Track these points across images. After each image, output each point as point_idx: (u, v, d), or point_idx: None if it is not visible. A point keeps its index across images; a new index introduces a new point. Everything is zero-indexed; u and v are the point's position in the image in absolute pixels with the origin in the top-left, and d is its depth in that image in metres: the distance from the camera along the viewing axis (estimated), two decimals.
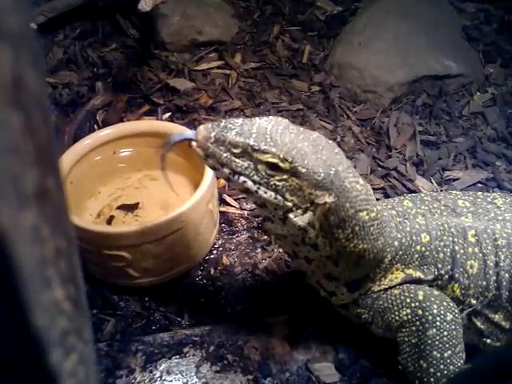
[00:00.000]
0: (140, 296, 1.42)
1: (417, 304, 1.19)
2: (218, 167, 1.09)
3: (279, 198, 1.08)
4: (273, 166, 1.05)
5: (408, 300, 1.20)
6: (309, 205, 1.08)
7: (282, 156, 1.04)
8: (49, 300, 0.38)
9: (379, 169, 1.82)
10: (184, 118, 1.94)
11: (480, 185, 1.77)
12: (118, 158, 1.62)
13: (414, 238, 1.23)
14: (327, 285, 1.26)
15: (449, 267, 1.24)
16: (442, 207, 1.30)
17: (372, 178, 1.78)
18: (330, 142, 1.13)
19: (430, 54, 2.16)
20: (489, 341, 1.29)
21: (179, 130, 1.57)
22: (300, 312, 1.39)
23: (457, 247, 1.24)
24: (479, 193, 1.37)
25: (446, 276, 1.24)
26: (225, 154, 1.07)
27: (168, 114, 1.96)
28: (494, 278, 1.23)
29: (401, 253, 1.22)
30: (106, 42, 2.23)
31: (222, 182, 1.72)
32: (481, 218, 1.28)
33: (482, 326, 1.27)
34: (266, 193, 1.07)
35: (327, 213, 1.09)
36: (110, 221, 1.53)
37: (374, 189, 1.74)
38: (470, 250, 1.24)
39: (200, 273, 1.50)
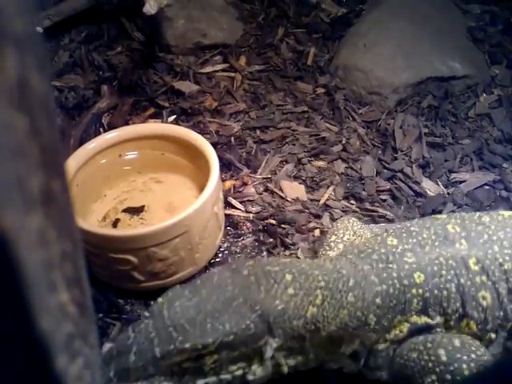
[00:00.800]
0: (146, 300, 1.42)
1: (442, 368, 1.04)
2: None
3: (226, 375, 1.00)
4: (197, 356, 0.96)
5: (430, 365, 1.06)
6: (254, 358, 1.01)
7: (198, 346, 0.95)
8: (54, 304, 0.38)
9: (385, 171, 1.81)
10: (189, 120, 1.94)
11: (487, 187, 1.76)
12: (123, 160, 1.63)
13: (406, 281, 1.10)
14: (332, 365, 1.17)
15: (458, 304, 1.12)
16: (433, 236, 1.17)
17: (378, 180, 1.77)
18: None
19: (435, 56, 2.15)
20: None
21: (184, 132, 1.58)
22: None
23: (462, 280, 1.11)
24: (464, 214, 1.25)
25: (457, 314, 1.12)
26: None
27: (173, 117, 1.96)
28: (510, 306, 1.11)
29: (392, 304, 1.10)
30: (112, 45, 2.24)
31: (228, 184, 1.72)
32: (476, 242, 1.15)
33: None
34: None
35: (280, 347, 1.03)
36: (115, 224, 1.53)
37: (380, 191, 1.74)
38: (478, 279, 1.12)
39: None
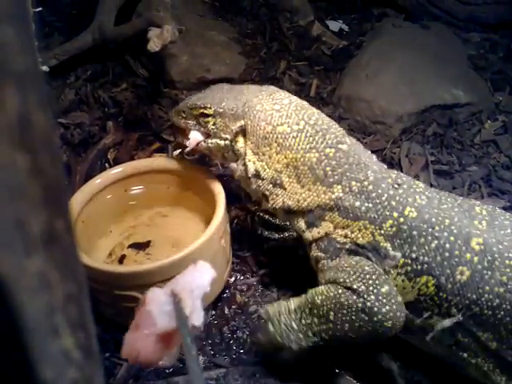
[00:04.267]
0: None
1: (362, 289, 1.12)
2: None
3: (218, 140, 1.39)
4: (203, 114, 1.40)
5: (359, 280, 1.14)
6: (235, 136, 1.35)
7: (204, 105, 1.39)
8: (57, 350, 0.36)
9: None
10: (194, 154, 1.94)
11: None
12: (129, 195, 1.62)
13: (394, 203, 1.18)
14: (291, 221, 1.32)
15: (429, 259, 1.13)
16: (456, 205, 1.21)
17: None
18: (263, 87, 1.40)
19: (437, 84, 2.16)
20: (465, 355, 1.16)
21: (190, 166, 1.57)
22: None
23: (448, 245, 1.13)
24: (496, 208, 1.26)
25: (419, 266, 1.14)
26: (181, 121, 1.47)
27: (178, 151, 1.96)
28: (491, 296, 1.10)
29: (369, 205, 1.19)
30: (117, 82, 2.27)
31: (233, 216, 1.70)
32: (496, 230, 1.16)
33: (461, 339, 1.15)
34: (210, 142, 1.41)
35: (249, 136, 1.32)
36: (121, 260, 1.51)
37: None
38: (468, 256, 1.12)
39: (214, 312, 1.46)
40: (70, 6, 2.60)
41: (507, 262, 1.10)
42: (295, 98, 1.36)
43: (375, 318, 1.11)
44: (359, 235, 1.20)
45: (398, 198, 1.19)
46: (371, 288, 1.12)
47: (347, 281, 1.14)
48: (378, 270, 1.16)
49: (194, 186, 1.58)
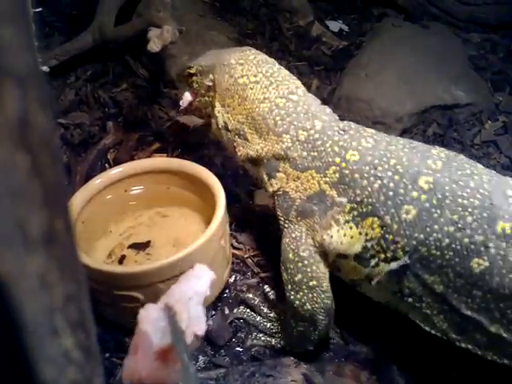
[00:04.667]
0: None
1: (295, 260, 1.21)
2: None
3: (201, 98, 1.52)
4: (190, 74, 1.54)
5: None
6: (209, 90, 1.48)
7: (188, 65, 1.55)
8: (57, 350, 0.36)
9: None
10: (194, 154, 1.95)
11: None
12: (129, 196, 1.62)
13: (337, 149, 1.20)
14: (257, 174, 1.40)
15: (372, 200, 1.13)
16: (408, 147, 1.19)
17: None
18: (243, 47, 1.51)
19: (437, 84, 2.16)
20: (410, 300, 1.14)
21: (190, 166, 1.57)
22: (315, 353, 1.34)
23: (392, 184, 1.12)
24: (462, 156, 1.21)
25: (369, 208, 1.13)
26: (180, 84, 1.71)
27: (178, 151, 1.96)
28: (440, 235, 1.07)
29: (312, 153, 1.22)
30: (117, 82, 2.26)
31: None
32: (452, 170, 1.12)
33: (409, 285, 1.13)
34: (198, 101, 1.54)
35: (216, 88, 1.44)
36: (121, 260, 1.51)
37: None
38: (415, 194, 1.10)
39: (214, 312, 1.46)
40: (70, 7, 2.60)
41: (460, 200, 1.07)
42: (264, 56, 1.45)
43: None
44: (307, 186, 1.23)
45: (341, 144, 1.20)
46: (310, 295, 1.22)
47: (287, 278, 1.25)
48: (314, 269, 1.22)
49: (193, 186, 1.58)
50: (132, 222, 1.61)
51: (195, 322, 0.80)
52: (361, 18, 2.71)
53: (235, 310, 1.44)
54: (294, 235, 1.23)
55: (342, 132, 1.23)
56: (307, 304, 1.21)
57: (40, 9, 1.13)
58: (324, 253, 1.22)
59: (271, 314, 1.42)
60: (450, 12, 2.64)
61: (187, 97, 1.58)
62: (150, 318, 0.80)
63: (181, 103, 1.61)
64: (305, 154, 1.24)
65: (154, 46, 1.57)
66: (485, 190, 1.08)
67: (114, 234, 1.58)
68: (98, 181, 1.54)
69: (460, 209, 1.06)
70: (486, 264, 1.03)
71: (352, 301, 1.42)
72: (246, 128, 1.37)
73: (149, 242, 1.55)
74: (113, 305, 1.34)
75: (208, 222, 1.40)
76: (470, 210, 1.06)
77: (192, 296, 0.82)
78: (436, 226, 1.07)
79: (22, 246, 0.29)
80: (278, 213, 1.30)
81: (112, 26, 2.16)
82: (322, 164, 1.20)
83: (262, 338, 1.37)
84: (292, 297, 1.23)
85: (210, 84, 1.46)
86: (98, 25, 2.13)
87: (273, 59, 1.45)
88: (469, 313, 1.08)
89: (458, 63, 2.32)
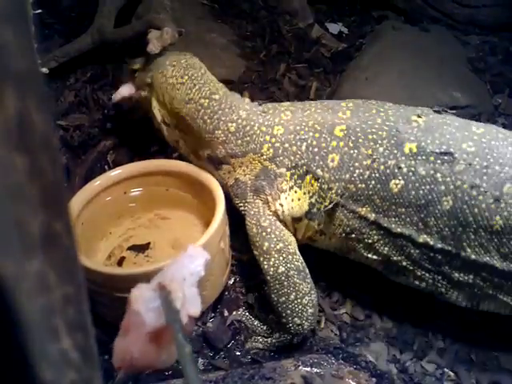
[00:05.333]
0: None
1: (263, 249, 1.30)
2: None
3: (142, 92, 1.61)
4: (133, 70, 1.65)
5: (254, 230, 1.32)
6: (149, 86, 1.58)
7: (133, 62, 1.64)
8: (55, 351, 0.36)
9: None
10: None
11: None
12: (128, 197, 1.62)
13: (264, 128, 1.35)
14: (202, 164, 1.51)
15: (304, 160, 1.30)
16: (320, 106, 1.36)
17: None
18: (186, 52, 1.61)
19: (437, 86, 2.16)
20: (353, 236, 1.28)
21: (189, 168, 1.57)
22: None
23: (315, 142, 1.29)
24: (371, 101, 1.40)
25: (304, 168, 1.30)
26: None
27: (177, 153, 1.96)
28: (361, 170, 1.23)
29: (245, 139, 1.36)
30: (117, 84, 2.26)
31: None
32: (360, 114, 1.29)
33: (348, 222, 1.28)
34: (137, 94, 1.63)
35: (153, 85, 1.56)
36: (120, 262, 1.51)
37: None
38: (334, 143, 1.27)
39: (213, 315, 1.46)
40: (70, 9, 2.60)
41: (370, 136, 1.24)
42: (195, 60, 1.58)
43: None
44: (252, 167, 1.37)
45: (266, 123, 1.36)
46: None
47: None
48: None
49: (193, 188, 1.58)
50: (131, 224, 1.61)
51: (190, 303, 0.76)
52: (360, 20, 2.71)
53: (234, 313, 1.45)
54: (252, 212, 1.35)
55: (263, 114, 1.39)
56: (280, 267, 1.28)
57: (40, 10, 1.13)
58: (282, 222, 1.35)
59: (269, 317, 1.42)
60: (450, 14, 2.65)
61: (125, 90, 1.69)
62: (143, 298, 0.76)
63: (113, 96, 1.74)
64: (239, 141, 1.38)
65: (154, 47, 1.57)
66: (390, 121, 1.25)
67: (113, 236, 1.58)
68: (97, 182, 1.54)
69: (372, 143, 1.23)
70: (402, 182, 1.20)
71: (350, 302, 1.42)
72: (180, 126, 1.51)
73: (148, 243, 1.55)
74: (113, 307, 1.33)
75: (207, 223, 1.40)
76: (379, 141, 1.23)
77: (186, 276, 0.79)
78: (357, 164, 1.24)
79: (21, 247, 0.29)
80: (237, 201, 1.42)
81: (111, 27, 2.16)
82: (256, 145, 1.36)
83: (261, 340, 1.37)
84: (266, 266, 1.30)
85: (150, 81, 1.58)
86: (97, 27, 2.14)
87: (202, 64, 1.58)
88: (398, 230, 1.23)
89: (458, 65, 2.33)
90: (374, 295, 1.47)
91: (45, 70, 1.19)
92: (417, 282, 1.29)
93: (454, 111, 2.11)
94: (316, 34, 2.54)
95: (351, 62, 2.35)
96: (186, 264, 0.81)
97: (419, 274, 1.26)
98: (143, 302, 0.76)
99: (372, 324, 1.42)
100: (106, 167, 1.91)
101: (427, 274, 1.25)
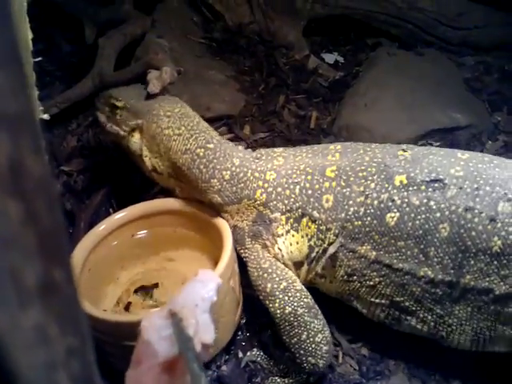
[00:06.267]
0: None
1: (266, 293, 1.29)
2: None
3: (119, 130, 1.59)
4: (114, 105, 1.60)
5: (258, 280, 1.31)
6: (132, 131, 1.56)
7: (115, 96, 1.61)
8: None
9: None
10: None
11: None
12: (135, 240, 1.59)
13: (257, 174, 1.37)
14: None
15: (299, 203, 1.31)
16: (310, 152, 1.39)
17: None
18: (171, 98, 1.63)
19: (435, 108, 2.16)
20: (355, 278, 1.26)
21: (194, 206, 1.56)
22: None
23: (308, 184, 1.30)
24: (355, 143, 1.40)
25: (299, 211, 1.31)
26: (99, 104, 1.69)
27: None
28: (356, 207, 1.24)
29: (239, 186, 1.38)
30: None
31: None
32: (348, 155, 1.32)
33: (349, 263, 1.26)
34: (112, 127, 1.62)
35: (144, 134, 1.54)
36: (127, 307, 1.47)
37: None
38: (327, 184, 1.28)
39: (227, 357, 1.40)
40: (70, 55, 2.65)
41: (360, 174, 1.26)
42: (187, 108, 1.58)
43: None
44: (248, 213, 1.38)
45: (259, 169, 1.38)
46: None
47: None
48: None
49: (199, 227, 1.56)
50: (139, 268, 1.58)
51: (203, 330, 0.73)
52: (355, 48, 2.75)
53: (249, 353, 1.40)
54: (252, 256, 1.35)
55: (257, 160, 1.41)
56: (287, 307, 1.25)
57: (40, 58, 1.14)
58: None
59: (286, 354, 1.37)
60: (443, 37, 2.68)
61: (102, 119, 1.68)
62: (154, 327, 0.73)
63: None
64: (234, 188, 1.40)
65: (154, 87, 1.58)
66: (378, 158, 1.28)
67: (121, 281, 1.55)
68: (102, 227, 1.52)
69: (363, 180, 1.25)
70: (398, 214, 1.20)
71: (367, 334, 1.37)
72: (174, 173, 1.53)
73: (156, 284, 1.52)
74: (123, 356, 1.29)
75: (216, 262, 1.37)
76: (370, 177, 1.24)
77: (198, 302, 0.76)
78: (351, 201, 1.25)
79: (16, 298, 0.27)
80: (237, 248, 1.41)
81: (112, 70, 2.19)
82: (249, 191, 1.37)
83: (278, 381, 1.32)
84: (272, 309, 1.27)
85: (135, 127, 1.57)
86: (97, 71, 2.16)
87: (195, 113, 1.59)
88: (400, 265, 1.21)
89: (454, 86, 2.34)
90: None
91: (46, 116, 1.18)
92: (419, 326, 1.25)
93: (450, 135, 2.12)
94: (312, 65, 2.58)
95: (349, 90, 2.36)
96: (198, 289, 0.79)
97: (421, 315, 1.24)
98: (154, 330, 0.73)
99: (391, 356, 1.37)
100: (111, 210, 1.90)
101: (429, 316, 1.23)
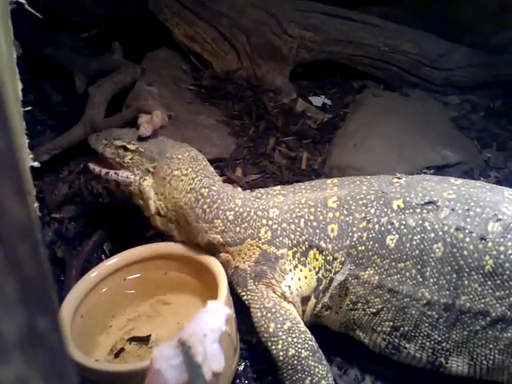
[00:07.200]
0: None
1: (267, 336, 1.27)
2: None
3: (129, 174, 1.59)
4: (124, 148, 1.59)
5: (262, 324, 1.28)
6: (146, 174, 1.57)
7: (128, 141, 1.59)
8: None
9: None
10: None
11: None
12: (127, 285, 1.56)
13: (260, 213, 1.39)
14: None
15: (305, 236, 1.33)
16: (309, 187, 1.43)
17: None
18: (182, 143, 1.64)
19: (425, 147, 2.19)
20: (359, 305, 1.27)
21: (187, 249, 1.54)
22: None
23: (312, 216, 1.33)
24: (352, 178, 1.44)
25: (306, 244, 1.32)
26: (100, 147, 1.64)
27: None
28: (359, 233, 1.28)
29: (243, 226, 1.38)
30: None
31: None
32: (346, 186, 1.37)
33: (354, 290, 1.28)
34: (121, 175, 1.60)
35: (154, 177, 1.55)
36: (118, 354, 1.42)
37: None
38: (330, 215, 1.32)
39: None
40: (61, 105, 2.68)
41: (360, 202, 1.31)
42: (196, 152, 1.61)
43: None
44: (250, 253, 1.37)
45: (261, 207, 1.40)
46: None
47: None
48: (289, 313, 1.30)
49: (192, 269, 1.53)
50: (132, 314, 1.54)
51: (212, 359, 0.73)
52: (342, 91, 2.81)
53: None
54: (256, 297, 1.33)
55: (257, 199, 1.44)
56: (290, 349, 1.22)
57: (29, 107, 1.15)
58: (291, 304, 1.33)
59: None
60: (427, 78, 2.75)
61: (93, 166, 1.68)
62: (164, 356, 0.74)
63: (101, 170, 1.65)
64: (237, 229, 1.40)
65: (145, 131, 1.59)
66: (375, 186, 1.33)
67: (114, 329, 1.50)
68: (93, 274, 1.49)
69: (363, 207, 1.30)
70: (397, 236, 1.25)
71: (370, 378, 1.33)
72: (176, 216, 1.53)
73: (149, 336, 1.47)
74: None
75: None
76: (370, 204, 1.29)
77: (207, 332, 0.77)
78: (354, 228, 1.29)
79: None
80: (239, 290, 1.40)
81: (102, 117, 2.21)
82: (253, 230, 1.38)
83: None
84: (275, 351, 1.24)
85: (152, 170, 1.57)
86: (88, 118, 2.19)
87: (202, 156, 1.62)
88: (401, 287, 1.24)
89: (442, 125, 2.38)
90: (393, 367, 1.38)
91: (36, 163, 1.18)
92: (418, 355, 1.26)
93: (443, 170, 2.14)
94: (301, 108, 2.62)
95: (338, 131, 2.40)
96: (206, 320, 0.80)
97: (419, 341, 1.25)
98: (164, 359, 0.74)
99: None
100: (103, 256, 1.87)
101: (427, 343, 1.24)
